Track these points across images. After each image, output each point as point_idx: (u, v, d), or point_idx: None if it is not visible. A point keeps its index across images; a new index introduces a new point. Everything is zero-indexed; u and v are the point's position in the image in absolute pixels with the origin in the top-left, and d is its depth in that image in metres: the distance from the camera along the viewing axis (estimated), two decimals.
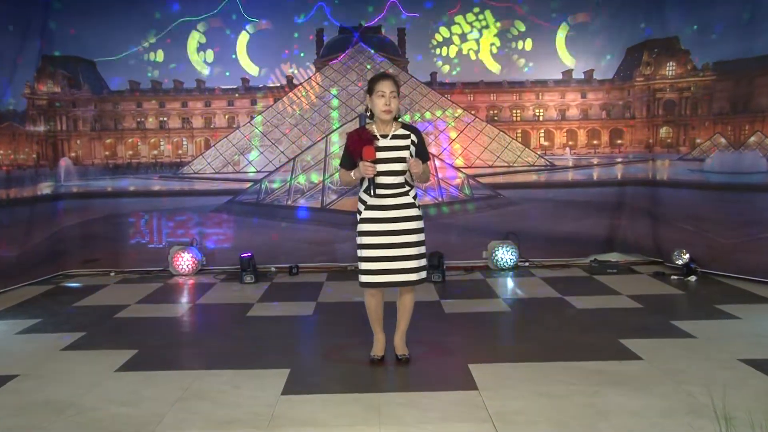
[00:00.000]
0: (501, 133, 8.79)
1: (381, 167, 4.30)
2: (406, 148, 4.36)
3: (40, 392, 4.21)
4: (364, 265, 4.42)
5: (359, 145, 4.25)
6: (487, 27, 8.44)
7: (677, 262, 7.47)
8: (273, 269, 8.30)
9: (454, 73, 8.54)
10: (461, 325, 5.68)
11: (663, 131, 8.32)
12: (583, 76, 8.61)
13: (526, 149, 8.80)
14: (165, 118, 8.73)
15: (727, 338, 5.05)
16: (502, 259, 8.10)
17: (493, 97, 8.80)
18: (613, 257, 8.33)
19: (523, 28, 8.41)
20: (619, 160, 8.68)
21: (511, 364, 4.58)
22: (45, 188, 8.36)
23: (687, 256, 7.40)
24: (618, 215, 8.48)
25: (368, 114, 4.46)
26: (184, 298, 7.07)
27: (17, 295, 7.20)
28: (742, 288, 6.78)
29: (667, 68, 8.19)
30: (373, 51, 8.68)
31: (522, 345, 5.10)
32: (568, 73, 8.61)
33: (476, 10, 8.43)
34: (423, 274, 4.45)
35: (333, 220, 8.33)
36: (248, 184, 8.63)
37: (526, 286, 7.27)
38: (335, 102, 8.66)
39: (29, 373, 4.57)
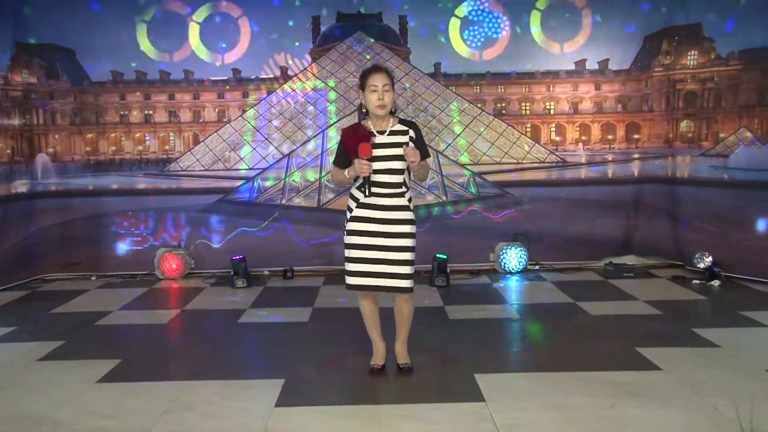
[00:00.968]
0: (509, 127, 8.77)
1: (378, 165, 4.27)
2: (405, 144, 4.34)
3: (14, 406, 4.18)
4: (350, 266, 4.42)
5: (355, 142, 4.23)
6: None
7: (699, 265, 7.45)
8: (266, 273, 8.29)
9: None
10: (467, 333, 5.66)
11: (684, 125, 8.30)
12: (597, 66, 8.59)
13: (536, 145, 8.78)
14: (150, 112, 8.71)
15: (753, 347, 5.02)
16: (510, 262, 8.08)
17: (501, 89, 8.79)
18: (629, 260, 8.31)
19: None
20: (636, 156, 8.66)
21: (520, 374, 4.57)
22: (20, 186, 8.33)
23: (710, 258, 7.37)
24: (635, 215, 8.47)
25: (363, 111, 4.45)
26: (171, 304, 7.05)
27: None
28: None
29: (689, 57, 8.17)
30: (373, 40, 8.66)
31: (532, 354, 5.09)
32: (581, 63, 8.59)
33: None
34: (412, 282, 4.42)
35: (330, 220, 8.32)
36: (240, 182, 8.61)
37: (536, 291, 7.25)
38: (332, 94, 8.65)
39: (3, 385, 4.53)
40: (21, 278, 8.07)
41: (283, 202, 8.52)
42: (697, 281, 7.33)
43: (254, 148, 8.67)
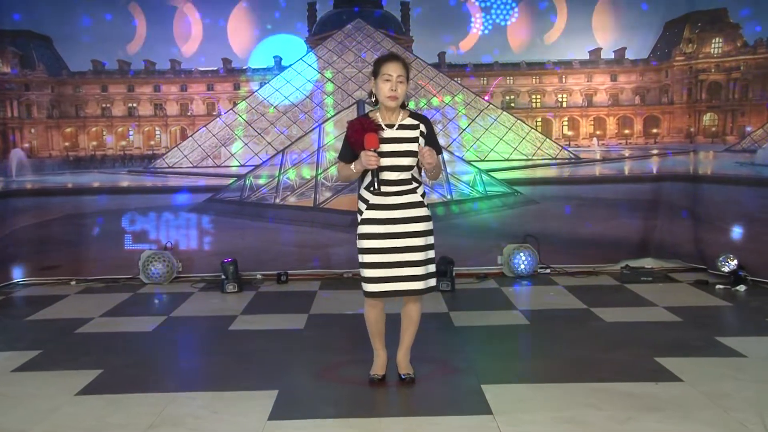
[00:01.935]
0: (518, 121, 8.77)
1: (386, 161, 4.25)
2: (415, 140, 4.32)
3: None
4: (366, 273, 4.38)
5: (361, 136, 4.21)
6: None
7: (723, 269, 7.43)
8: (259, 276, 8.28)
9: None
10: (473, 340, 5.65)
11: (707, 118, 8.29)
12: (613, 56, 8.58)
13: (547, 140, 8.78)
14: (134, 104, 8.70)
15: None
16: (519, 265, 8.07)
17: (510, 81, 8.78)
18: (647, 263, 8.29)
19: None
20: (655, 151, 8.65)
21: (530, 385, 4.54)
22: None
23: (735, 262, 7.35)
24: (653, 215, 8.44)
25: (372, 100, 4.43)
26: (157, 310, 7.03)
27: None
28: None
29: (713, 45, 8.16)
30: (372, 28, 8.65)
31: (542, 363, 5.06)
32: (596, 52, 8.58)
33: None
34: (431, 282, 4.41)
35: (327, 220, 8.31)
36: (230, 180, 8.61)
37: (547, 296, 7.25)
38: (330, 86, 8.64)
39: None
40: None
41: (277, 201, 8.52)
42: (721, 286, 7.30)
43: (246, 144, 8.66)
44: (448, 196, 8.48)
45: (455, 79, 8.65)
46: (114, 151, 8.71)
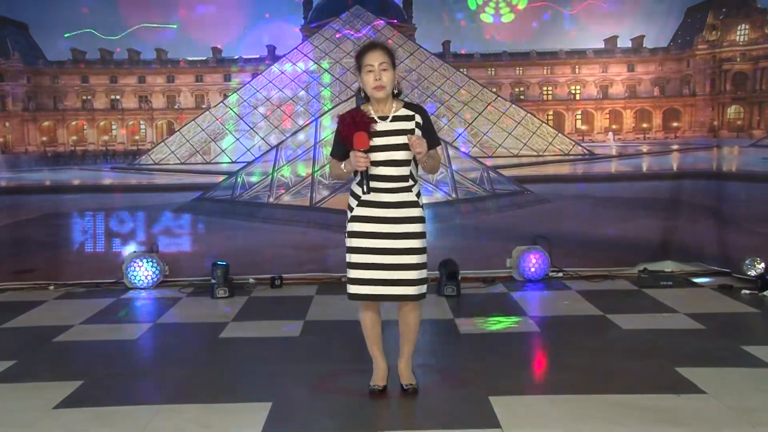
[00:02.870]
0: (528, 115, 8.76)
1: (379, 156, 4.24)
2: (411, 132, 4.30)
3: None
4: (352, 273, 4.39)
5: (353, 130, 4.19)
6: None
7: (749, 273, 7.42)
8: (251, 281, 8.26)
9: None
10: (480, 349, 5.63)
11: (731, 111, 8.27)
12: (630, 44, 8.56)
13: (559, 135, 8.78)
14: (118, 96, 8.70)
15: None
16: (529, 268, 8.06)
17: (519, 71, 8.78)
18: (667, 266, 8.29)
19: None
20: (676, 147, 8.64)
21: (541, 396, 4.53)
22: None
23: (762, 265, 7.35)
24: (673, 215, 8.43)
25: (362, 95, 4.43)
26: (142, 317, 7.03)
27: None
28: None
29: (738, 32, 8.14)
30: (372, 15, 8.64)
31: (555, 374, 5.06)
32: (611, 40, 8.57)
33: None
34: (423, 288, 4.40)
35: (324, 220, 8.31)
36: (221, 178, 8.61)
37: (560, 302, 7.24)
38: (327, 77, 8.63)
39: None
40: None
41: (271, 200, 8.52)
42: (747, 291, 7.28)
43: (237, 139, 8.66)
44: (453, 195, 8.48)
45: (461, 69, 8.63)
46: (95, 146, 8.71)
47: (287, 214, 8.47)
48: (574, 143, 8.72)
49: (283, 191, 8.53)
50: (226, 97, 8.69)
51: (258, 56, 8.56)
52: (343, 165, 4.31)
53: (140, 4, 8.33)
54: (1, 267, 8.29)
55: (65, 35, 8.29)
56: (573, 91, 8.80)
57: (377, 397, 4.54)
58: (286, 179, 8.56)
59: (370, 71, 4.26)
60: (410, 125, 4.32)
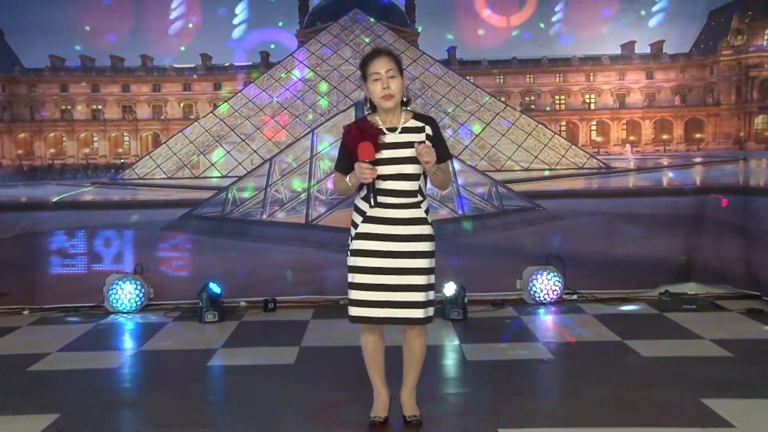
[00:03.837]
0: (540, 126, 8.77)
1: (388, 169, 4.23)
2: (420, 143, 4.29)
3: None
4: (354, 294, 4.36)
5: (359, 142, 4.18)
6: None
7: None
8: (243, 304, 8.24)
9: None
10: (488, 377, 5.62)
11: (759, 121, 8.27)
12: (649, 50, 8.57)
13: (573, 147, 8.77)
14: (99, 107, 8.71)
15: None
16: (541, 290, 8.03)
17: (530, 79, 8.79)
18: (690, 288, 8.25)
19: None
20: (698, 159, 8.64)
21: (554, 429, 4.50)
22: None
23: None
24: (697, 233, 8.40)
25: (368, 106, 4.42)
26: (124, 344, 7.02)
27: None
28: None
29: (766, 36, 8.15)
30: (372, 20, 8.66)
31: (569, 404, 5.03)
32: (629, 45, 8.57)
33: None
34: (430, 311, 4.38)
35: (321, 239, 8.30)
36: (210, 193, 8.59)
37: (574, 326, 7.22)
38: (324, 86, 8.64)
39: None
40: None
41: (264, 217, 8.51)
42: None
43: (228, 152, 8.66)
44: (459, 212, 8.47)
45: (467, 77, 8.64)
46: (75, 159, 8.71)
47: (281, 233, 8.46)
48: (588, 156, 8.72)
49: (276, 208, 8.52)
50: (216, 107, 8.70)
51: (250, 63, 8.56)
52: (348, 178, 4.30)
53: (125, 10, 8.35)
54: None
55: (75, 47, 8.33)
56: (587, 100, 8.80)
57: (378, 430, 4.51)
58: (280, 195, 8.55)
59: (376, 80, 4.25)
60: (420, 137, 4.31)
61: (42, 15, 8.22)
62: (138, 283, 8.11)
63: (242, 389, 5.45)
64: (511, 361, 6.06)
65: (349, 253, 4.39)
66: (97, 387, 5.65)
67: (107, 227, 8.43)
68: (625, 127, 8.77)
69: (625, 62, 8.63)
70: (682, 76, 8.60)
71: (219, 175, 8.64)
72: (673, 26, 8.44)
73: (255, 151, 8.63)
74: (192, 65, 8.62)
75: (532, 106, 8.79)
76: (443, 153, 4.34)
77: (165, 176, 8.67)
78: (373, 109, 4.40)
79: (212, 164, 8.67)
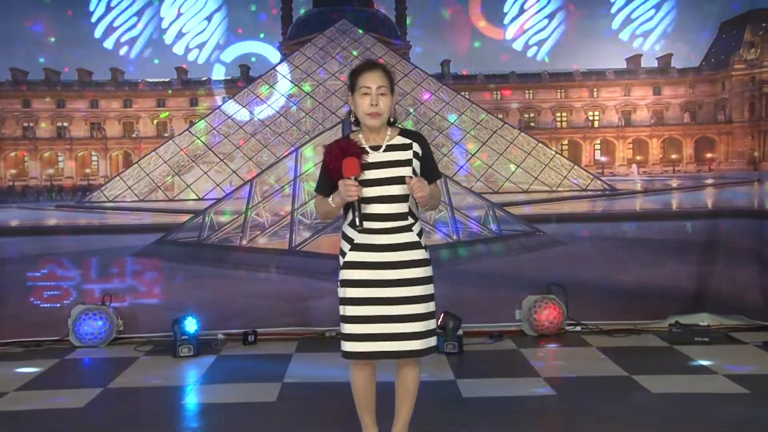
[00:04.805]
0: (540, 144, 8.78)
1: (372, 191, 4.20)
2: (407, 163, 4.27)
3: None
4: (347, 328, 4.31)
5: (341, 161, 4.15)
6: None
7: None
8: (220, 337, 8.20)
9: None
10: (486, 416, 5.60)
11: None
12: (656, 64, 8.61)
13: (576, 167, 8.79)
14: (65, 123, 8.69)
15: None
16: (542, 321, 8.01)
17: (529, 95, 8.82)
18: (702, 319, 8.24)
19: None
20: (710, 181, 8.65)
21: None
22: None
23: None
24: (709, 260, 8.42)
25: (353, 120, 4.39)
26: (91, 381, 6.93)
27: None
28: None
29: None
30: (361, 31, 8.69)
31: None
32: (635, 59, 8.60)
33: None
34: (431, 341, 4.34)
35: (305, 266, 8.29)
36: (186, 217, 8.57)
37: (578, 360, 7.22)
38: (309, 102, 8.64)
39: None
40: None
41: (244, 243, 8.49)
42: None
43: (205, 173, 8.65)
44: (454, 237, 8.47)
45: (462, 93, 8.65)
46: (38, 181, 8.68)
47: (263, 260, 8.45)
48: (592, 177, 8.73)
49: (257, 233, 8.51)
50: (192, 124, 8.69)
51: (229, 77, 8.55)
52: (330, 198, 4.26)
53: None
54: None
55: (39, 59, 8.32)
56: (591, 118, 8.83)
57: None
58: (261, 219, 8.54)
59: (365, 94, 4.23)
60: (407, 155, 4.28)
61: (2, 25, 8.21)
62: (106, 314, 8.06)
63: (220, 429, 5.44)
64: (510, 398, 6.03)
65: (338, 284, 4.36)
66: (61, 428, 5.61)
67: (73, 254, 8.41)
68: (631, 146, 8.80)
69: (630, 77, 8.66)
70: (691, 92, 8.63)
71: (195, 197, 8.63)
72: (681, 39, 8.48)
73: (234, 172, 8.63)
74: (166, 79, 8.61)
75: (532, 124, 8.81)
76: (433, 173, 4.33)
77: (137, 199, 8.66)
78: (357, 124, 4.38)
79: (188, 186, 8.65)
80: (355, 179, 4.13)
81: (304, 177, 8.42)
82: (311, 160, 8.43)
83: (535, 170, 8.70)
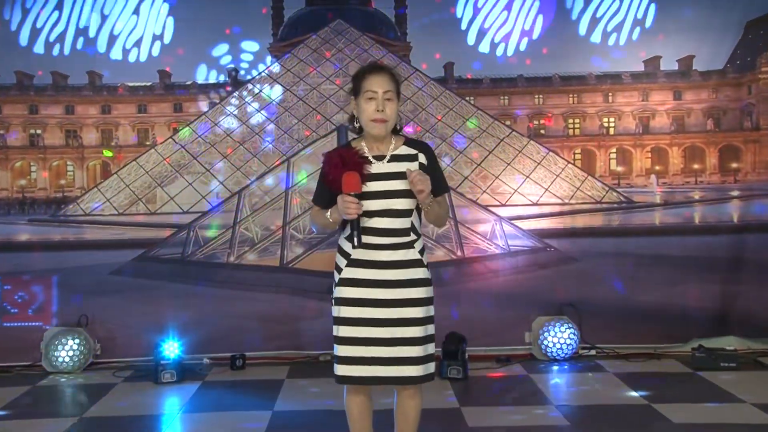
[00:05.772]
0: (551, 153, 8.77)
1: (374, 204, 4.16)
2: (414, 171, 4.21)
3: None
4: (341, 350, 4.27)
5: (341, 172, 4.10)
6: None
7: None
8: (206, 361, 8.16)
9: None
10: None
11: None
12: (677, 66, 8.58)
13: (589, 178, 8.77)
14: (38, 131, 8.66)
15: None
16: (554, 344, 7.98)
17: (539, 100, 8.80)
18: (728, 343, 8.17)
19: None
20: (736, 193, 8.61)
21: None
22: None
23: None
24: (735, 278, 8.41)
25: (355, 125, 4.34)
26: (66, 409, 6.95)
27: None
28: None
29: None
30: (357, 32, 8.68)
31: None
32: (653, 60, 8.58)
33: None
34: (430, 368, 4.31)
35: (298, 284, 8.29)
36: (169, 232, 8.55)
37: (593, 387, 7.21)
38: (302, 108, 8.62)
39: None
40: None
41: (232, 259, 8.46)
42: None
43: (190, 183, 8.63)
44: (458, 253, 8.43)
45: (467, 98, 8.63)
46: (9, 193, 8.65)
47: (252, 277, 8.44)
48: (607, 188, 8.72)
49: (246, 248, 8.49)
50: (176, 131, 8.67)
51: (216, 81, 8.53)
52: (328, 213, 4.22)
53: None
54: None
55: None
56: (606, 124, 8.83)
57: None
58: (250, 234, 8.53)
59: (371, 98, 4.19)
60: (413, 167, 4.23)
61: None
62: (82, 337, 8.02)
63: None
64: (519, 428, 5.99)
65: (333, 301, 4.30)
66: None
67: (46, 272, 8.41)
68: (649, 155, 8.79)
69: (649, 80, 8.65)
70: (715, 97, 8.61)
71: (179, 210, 8.62)
72: (704, 40, 8.44)
73: (221, 183, 8.63)
74: (148, 83, 8.59)
75: (542, 131, 8.81)
76: (440, 185, 4.27)
77: (116, 212, 8.65)
78: (358, 131, 4.33)
79: (171, 198, 8.64)
80: (356, 196, 4.07)
81: (296, 189, 8.40)
82: (304, 170, 8.41)
83: (545, 181, 8.70)
